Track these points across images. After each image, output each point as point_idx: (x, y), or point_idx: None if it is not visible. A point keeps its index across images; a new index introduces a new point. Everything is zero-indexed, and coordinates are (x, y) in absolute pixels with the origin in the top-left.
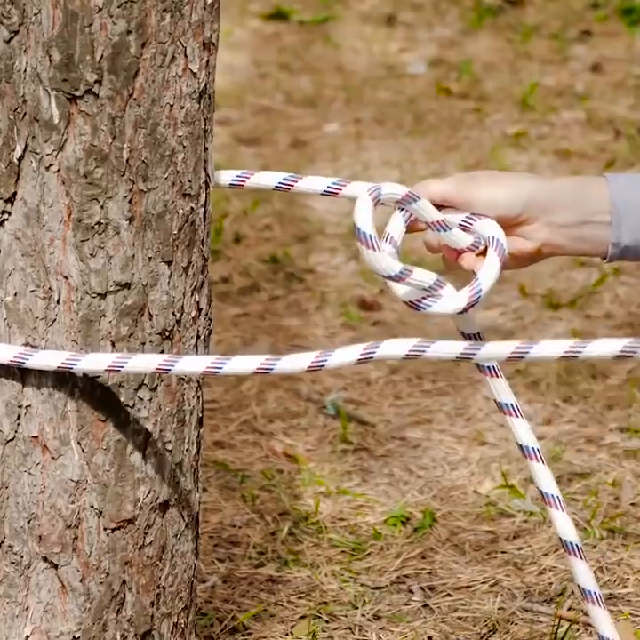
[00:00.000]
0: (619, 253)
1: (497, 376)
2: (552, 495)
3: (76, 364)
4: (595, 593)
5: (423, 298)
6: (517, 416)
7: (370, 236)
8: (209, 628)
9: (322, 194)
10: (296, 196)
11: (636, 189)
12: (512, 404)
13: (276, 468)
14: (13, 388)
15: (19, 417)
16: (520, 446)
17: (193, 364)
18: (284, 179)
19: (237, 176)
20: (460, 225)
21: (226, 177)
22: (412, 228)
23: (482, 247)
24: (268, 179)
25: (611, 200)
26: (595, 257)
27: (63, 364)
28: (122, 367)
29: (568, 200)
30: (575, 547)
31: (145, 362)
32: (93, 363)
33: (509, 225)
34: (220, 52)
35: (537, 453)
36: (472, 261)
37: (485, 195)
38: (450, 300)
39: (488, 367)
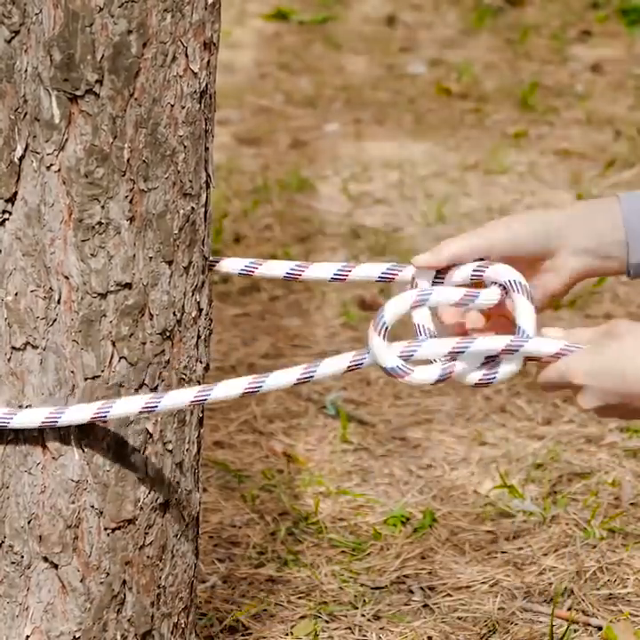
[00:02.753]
0: None
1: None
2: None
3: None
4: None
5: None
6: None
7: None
8: (209, 627)
9: (330, 280)
10: (296, 196)
11: None
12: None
13: (276, 468)
14: (14, 387)
15: None
16: None
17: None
18: (291, 268)
19: (246, 266)
20: (472, 276)
21: (234, 266)
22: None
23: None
24: (277, 268)
25: (623, 216)
26: (622, 275)
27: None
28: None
29: (582, 223)
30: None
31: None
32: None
33: (535, 262)
34: (220, 52)
35: None
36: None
37: (504, 234)
38: (507, 365)
39: None
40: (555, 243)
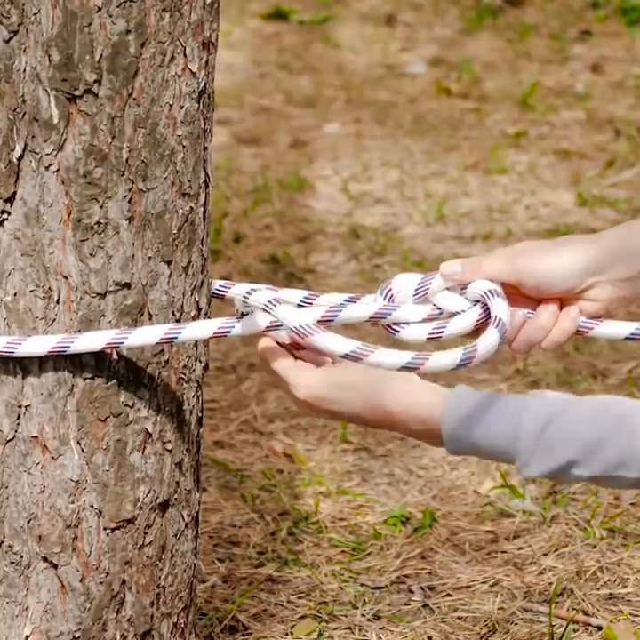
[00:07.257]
0: None
1: None
2: None
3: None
4: None
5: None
6: None
7: None
8: (209, 627)
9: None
10: (296, 196)
11: None
12: None
13: (276, 468)
14: (13, 387)
15: (18, 417)
16: None
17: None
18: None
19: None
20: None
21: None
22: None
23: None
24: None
25: None
26: None
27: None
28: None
29: (620, 253)
30: None
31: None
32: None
33: (573, 295)
34: (220, 51)
35: None
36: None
37: (543, 274)
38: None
39: None
40: (594, 277)
